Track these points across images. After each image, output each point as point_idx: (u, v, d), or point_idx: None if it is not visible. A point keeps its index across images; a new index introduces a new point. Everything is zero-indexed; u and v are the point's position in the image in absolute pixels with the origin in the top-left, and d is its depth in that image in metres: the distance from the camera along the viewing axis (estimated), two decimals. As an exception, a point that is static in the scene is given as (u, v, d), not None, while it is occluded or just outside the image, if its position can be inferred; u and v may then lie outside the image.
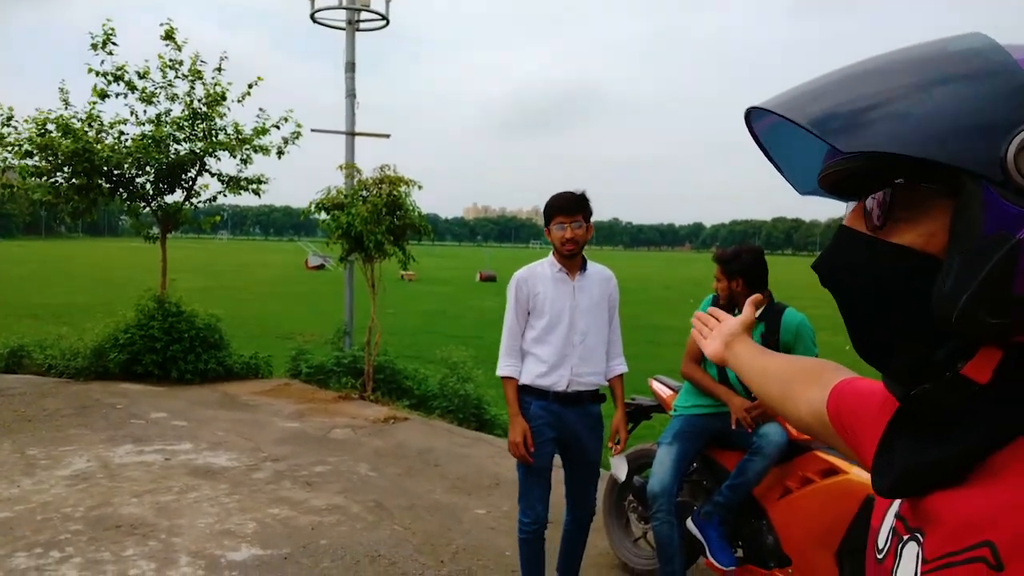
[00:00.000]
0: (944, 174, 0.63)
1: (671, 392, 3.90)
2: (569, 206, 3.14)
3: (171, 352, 8.31)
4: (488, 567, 3.95)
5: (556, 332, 3.21)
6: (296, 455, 5.72)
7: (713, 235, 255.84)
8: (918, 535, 0.68)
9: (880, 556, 0.74)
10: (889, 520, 0.75)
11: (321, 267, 39.66)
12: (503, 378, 3.28)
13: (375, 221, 7.82)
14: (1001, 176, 0.59)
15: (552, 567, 3.49)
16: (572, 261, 3.23)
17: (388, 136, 10.39)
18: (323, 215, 8.24)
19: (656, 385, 4.04)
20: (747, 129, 0.80)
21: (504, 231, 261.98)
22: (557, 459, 3.36)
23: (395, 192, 8.10)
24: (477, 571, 3.90)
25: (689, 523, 3.46)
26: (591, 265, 3.32)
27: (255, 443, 6.01)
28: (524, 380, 3.26)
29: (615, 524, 4.10)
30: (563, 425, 3.25)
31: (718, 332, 1.28)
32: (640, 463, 3.98)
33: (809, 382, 1.02)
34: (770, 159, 0.83)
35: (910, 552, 0.68)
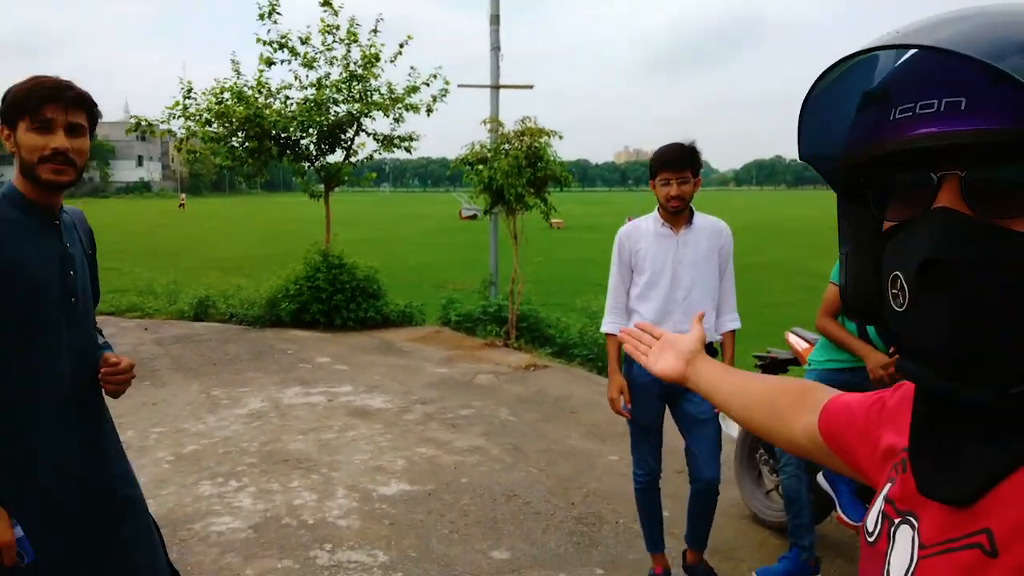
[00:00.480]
0: None
1: (807, 345, 3.78)
2: (677, 161, 3.01)
3: (335, 301, 9.01)
4: (617, 511, 4.08)
5: (657, 288, 3.13)
6: (443, 399, 6.10)
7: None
8: (910, 519, 0.67)
9: (871, 539, 0.73)
10: (879, 503, 0.74)
11: (473, 217, 40.68)
12: (606, 335, 3.28)
13: (515, 174, 7.98)
14: None
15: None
16: (676, 217, 3.12)
17: (531, 87, 10.46)
18: (468, 169, 8.51)
19: (792, 338, 3.93)
20: (824, 73, 0.70)
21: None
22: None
23: (536, 144, 8.19)
24: (606, 514, 4.04)
25: (820, 477, 3.40)
26: (700, 218, 3.18)
27: (407, 387, 6.46)
28: None
29: (746, 475, 4.09)
30: (671, 384, 3.24)
31: (670, 349, 1.23)
32: (772, 417, 3.92)
33: (798, 406, 1.00)
34: (804, 112, 0.74)
35: (904, 536, 0.67)
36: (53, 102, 1.79)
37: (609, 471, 4.63)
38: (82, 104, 1.86)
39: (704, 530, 3.32)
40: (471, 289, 12.17)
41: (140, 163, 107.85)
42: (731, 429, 3.41)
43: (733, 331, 3.23)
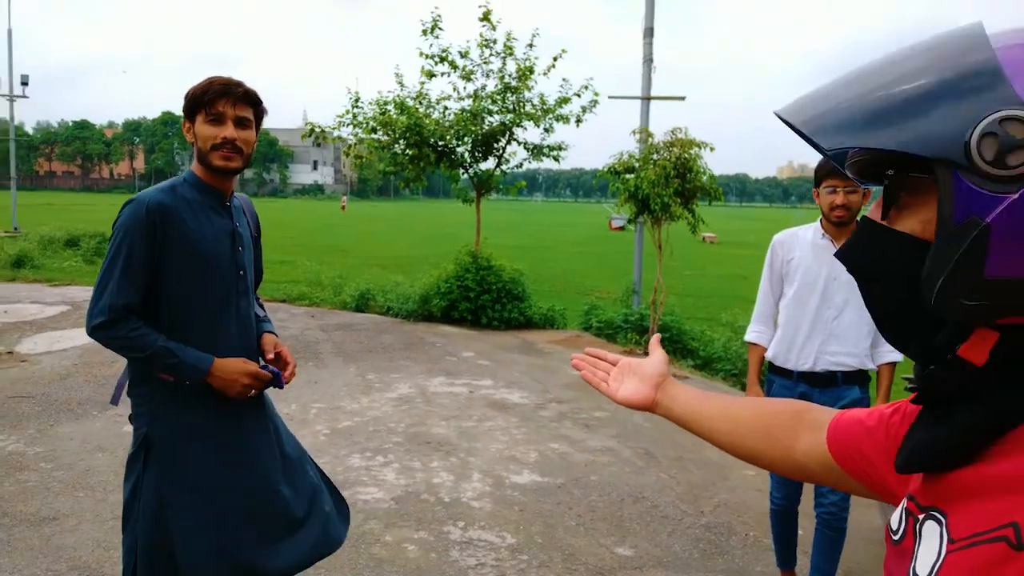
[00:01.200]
0: (930, 164, 0.65)
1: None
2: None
3: (481, 301, 9.40)
4: (748, 524, 4.04)
5: (806, 303, 2.97)
6: (578, 400, 6.23)
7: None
8: (935, 514, 0.69)
9: (896, 537, 0.75)
10: (903, 501, 0.76)
11: (623, 228, 40.50)
12: (749, 344, 3.20)
13: (662, 184, 7.97)
14: (968, 162, 0.62)
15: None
16: (840, 229, 2.93)
17: (683, 99, 10.40)
18: (615, 179, 8.60)
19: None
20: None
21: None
22: None
23: (685, 155, 8.15)
24: (736, 526, 4.01)
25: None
26: None
27: (544, 385, 6.65)
28: (769, 353, 3.10)
29: (888, 501, 3.91)
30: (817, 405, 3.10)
31: (632, 375, 1.16)
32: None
33: (796, 428, 0.99)
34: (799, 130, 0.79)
35: (931, 531, 0.68)
36: (224, 97, 2.08)
37: (744, 484, 4.58)
38: (249, 100, 2.14)
39: (827, 563, 3.08)
40: (614, 297, 12.24)
41: (315, 167, 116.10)
42: None
43: (892, 363, 2.96)
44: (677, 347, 8.57)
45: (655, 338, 1.24)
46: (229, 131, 2.09)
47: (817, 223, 3.02)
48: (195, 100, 2.09)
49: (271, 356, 2.30)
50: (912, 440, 0.72)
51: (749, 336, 3.20)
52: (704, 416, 1.08)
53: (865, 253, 0.74)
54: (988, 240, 0.61)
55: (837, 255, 0.79)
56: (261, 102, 2.20)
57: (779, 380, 3.06)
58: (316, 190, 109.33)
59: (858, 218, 0.83)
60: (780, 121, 0.75)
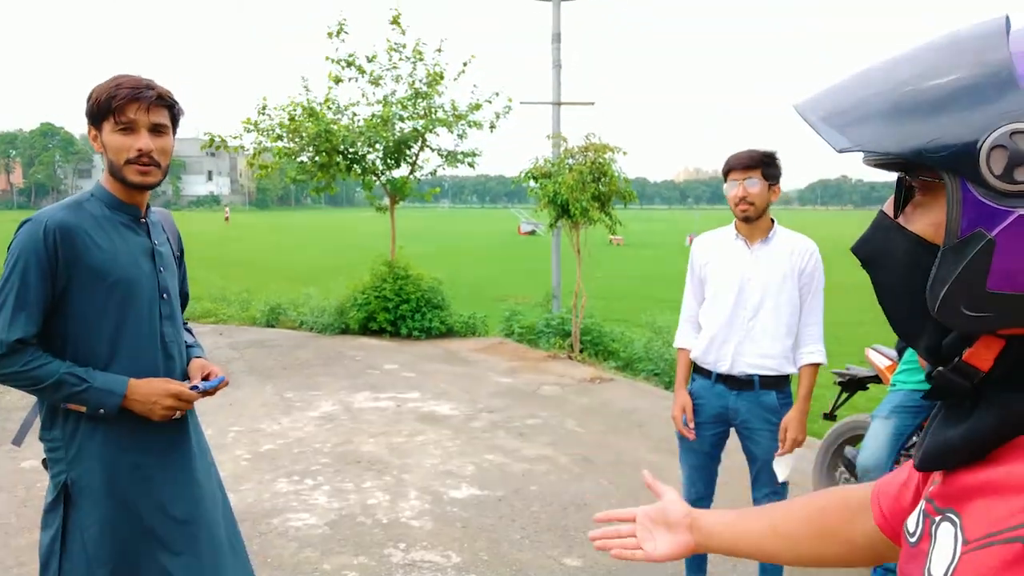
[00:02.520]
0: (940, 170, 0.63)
1: (890, 363, 3.70)
2: (743, 161, 2.80)
3: (401, 311, 9.18)
4: (689, 524, 4.03)
5: (721, 305, 2.90)
6: (509, 408, 6.14)
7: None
8: (951, 515, 0.68)
9: (913, 539, 0.74)
10: (920, 503, 0.75)
11: (532, 233, 40.90)
12: (677, 348, 3.13)
13: (580, 188, 8.01)
14: (976, 174, 0.60)
15: None
16: (751, 226, 2.86)
17: (593, 104, 10.51)
18: (532, 184, 8.59)
19: (873, 355, 3.85)
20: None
21: (716, 192, 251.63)
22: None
23: (600, 159, 8.22)
24: (678, 527, 4.00)
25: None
26: (783, 234, 2.89)
27: (473, 395, 6.53)
28: (693, 354, 3.02)
29: (823, 493, 4.00)
30: (731, 411, 2.91)
31: (659, 527, 1.09)
32: (854, 434, 3.85)
33: (846, 516, 0.95)
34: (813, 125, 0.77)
35: (946, 533, 0.67)
36: (135, 102, 1.82)
37: (680, 485, 4.58)
38: (163, 103, 1.89)
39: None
40: (532, 302, 12.24)
41: (210, 178, 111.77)
42: (780, 473, 2.91)
43: (814, 365, 2.88)
44: (599, 349, 8.63)
45: (653, 480, 1.16)
46: (144, 142, 1.84)
47: (732, 224, 2.98)
48: (101, 106, 1.84)
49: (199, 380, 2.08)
50: (928, 438, 0.72)
51: (676, 341, 3.16)
52: (752, 540, 1.04)
53: (877, 248, 0.73)
54: (992, 254, 0.60)
55: (852, 249, 0.76)
56: (176, 103, 1.96)
57: (699, 379, 3.02)
58: (212, 201, 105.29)
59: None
60: (799, 114, 0.72)
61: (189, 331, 2.25)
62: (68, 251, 1.81)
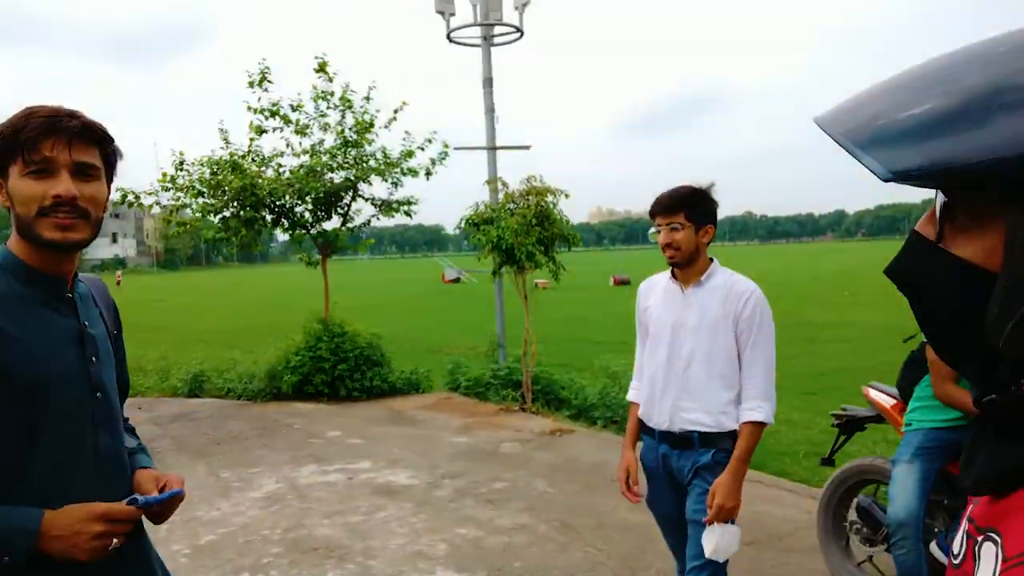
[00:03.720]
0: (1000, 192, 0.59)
1: (894, 401, 3.49)
2: (665, 204, 2.57)
3: (338, 371, 8.60)
4: (693, 592, 3.68)
5: (657, 354, 2.67)
6: (471, 471, 5.69)
7: (857, 222, 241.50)
8: (992, 535, 0.66)
9: (957, 561, 0.73)
10: (963, 524, 0.74)
11: (457, 280, 40.61)
12: (629, 401, 2.88)
13: (525, 233, 7.79)
14: None
15: None
16: (683, 270, 2.63)
17: (529, 147, 10.34)
18: (474, 231, 8.28)
19: (875, 394, 3.63)
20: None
21: (630, 233, 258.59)
22: None
23: (542, 203, 8.03)
24: (682, 597, 3.65)
25: (934, 547, 3.08)
26: (720, 275, 2.64)
27: (430, 459, 6.04)
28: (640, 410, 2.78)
29: (833, 545, 3.73)
30: (676, 470, 2.64)
31: None
32: (862, 479, 3.60)
33: None
34: (849, 151, 0.71)
35: (988, 552, 0.66)
36: (51, 136, 1.38)
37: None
38: (91, 136, 1.44)
39: None
40: (473, 352, 11.82)
41: (115, 240, 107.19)
42: (707, 545, 2.48)
43: (752, 423, 2.51)
44: (550, 399, 8.28)
45: None
46: (64, 186, 1.37)
47: (670, 268, 2.72)
48: (6, 143, 1.38)
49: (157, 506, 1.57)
50: (981, 463, 0.68)
51: (629, 394, 2.89)
52: None
53: (914, 272, 0.70)
54: None
55: (885, 271, 0.72)
56: (111, 139, 1.49)
57: (645, 439, 2.75)
58: (118, 264, 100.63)
59: (910, 229, 0.72)
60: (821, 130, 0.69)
61: (131, 431, 1.77)
62: None
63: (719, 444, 2.56)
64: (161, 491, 1.56)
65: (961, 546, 0.73)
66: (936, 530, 3.20)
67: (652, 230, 2.65)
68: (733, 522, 2.50)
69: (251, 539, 4.44)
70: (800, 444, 6.67)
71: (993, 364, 0.64)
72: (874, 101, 0.65)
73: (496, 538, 4.38)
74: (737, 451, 2.50)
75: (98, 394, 1.50)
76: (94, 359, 1.50)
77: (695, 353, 2.57)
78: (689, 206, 2.55)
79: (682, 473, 2.61)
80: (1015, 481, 0.65)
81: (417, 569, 3.99)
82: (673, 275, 2.68)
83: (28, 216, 1.38)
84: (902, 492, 3.02)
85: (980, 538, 0.68)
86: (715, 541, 2.46)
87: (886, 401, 3.54)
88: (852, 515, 3.61)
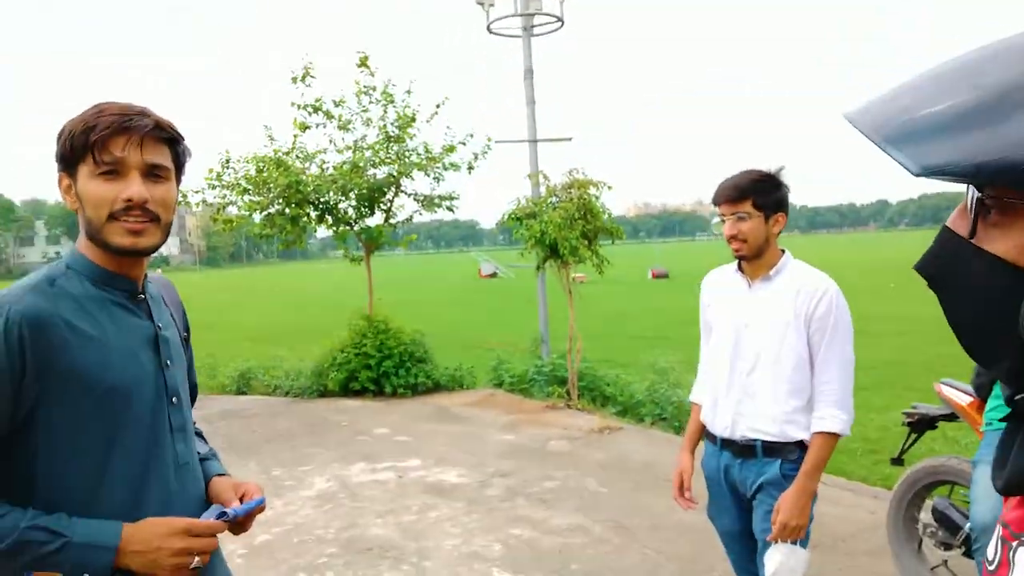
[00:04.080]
0: None
1: (970, 399, 3.32)
2: (727, 193, 2.37)
3: (383, 368, 8.60)
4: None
5: (722, 355, 2.49)
6: (521, 470, 5.62)
7: (900, 212, 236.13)
8: None
9: (992, 567, 0.72)
10: (997, 529, 0.73)
11: (493, 275, 40.66)
12: (691, 402, 2.73)
13: (568, 227, 7.69)
14: None
15: None
16: (751, 263, 2.43)
17: (570, 139, 10.24)
18: (518, 225, 8.20)
19: (948, 391, 3.46)
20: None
21: (667, 226, 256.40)
22: None
23: (584, 195, 7.92)
24: (747, 602, 3.53)
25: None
26: (791, 269, 2.41)
27: (478, 457, 5.99)
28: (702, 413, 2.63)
29: (905, 549, 3.58)
30: (738, 481, 2.46)
31: None
32: (934, 480, 3.45)
33: None
34: (879, 146, 0.71)
35: (1023, 557, 0.65)
36: (123, 134, 1.32)
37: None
38: (163, 136, 1.38)
39: None
40: (514, 347, 11.76)
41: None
42: (770, 565, 2.33)
43: (825, 434, 2.31)
44: (595, 395, 8.18)
45: None
46: (135, 188, 1.32)
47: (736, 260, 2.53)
48: (75, 143, 1.32)
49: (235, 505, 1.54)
50: (1013, 463, 0.67)
51: (692, 394, 2.74)
52: None
53: (945, 268, 0.68)
54: None
55: (915, 267, 0.71)
56: (181, 138, 1.43)
57: (707, 446, 2.58)
58: (161, 262, 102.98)
59: (943, 225, 0.69)
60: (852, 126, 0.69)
61: (201, 437, 1.73)
62: (39, 352, 1.26)
63: (785, 455, 2.37)
64: (241, 500, 1.52)
65: (996, 552, 0.71)
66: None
67: (715, 220, 2.47)
68: (804, 544, 2.33)
69: (305, 539, 4.44)
70: (855, 441, 6.48)
71: None
72: (904, 96, 0.65)
73: (551, 539, 4.31)
74: (805, 464, 2.30)
75: (173, 400, 1.46)
76: (168, 363, 1.46)
77: (760, 355, 2.38)
78: (757, 193, 2.35)
79: (745, 485, 2.44)
80: None
81: (473, 571, 3.93)
82: (740, 267, 2.49)
83: (99, 220, 1.33)
84: (985, 495, 2.86)
85: (1015, 543, 0.68)
86: (778, 562, 2.29)
87: (962, 399, 3.37)
88: (925, 517, 3.46)
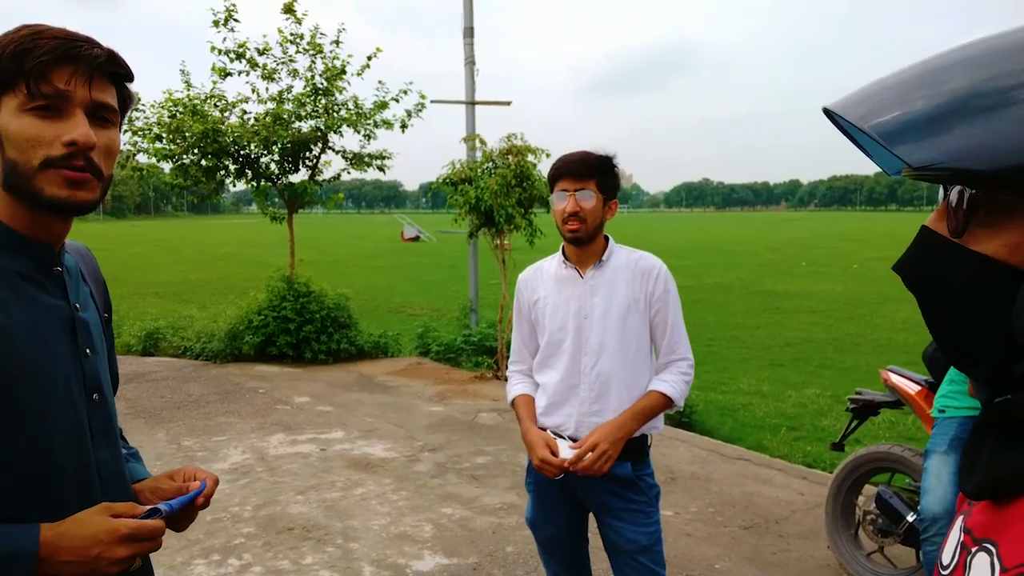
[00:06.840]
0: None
1: (919, 388, 3.31)
2: (575, 167, 2.20)
3: (304, 333, 8.22)
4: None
5: (560, 353, 2.28)
6: (451, 444, 5.43)
7: (811, 192, 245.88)
8: (987, 546, 0.64)
9: (946, 571, 0.71)
10: (956, 534, 0.71)
11: (416, 239, 40.02)
12: (511, 402, 2.44)
13: (504, 194, 7.46)
14: None
15: None
16: (582, 250, 2.27)
17: (509, 103, 9.94)
18: (451, 190, 7.92)
19: (896, 378, 3.44)
20: (830, 121, 0.72)
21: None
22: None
23: (523, 162, 7.69)
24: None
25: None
26: (620, 253, 2.30)
27: (406, 430, 5.76)
28: (538, 416, 2.35)
29: (841, 534, 3.58)
30: (581, 487, 2.28)
31: None
32: (877, 466, 3.44)
33: None
34: (856, 144, 0.75)
35: (981, 563, 0.63)
36: (68, 64, 1.04)
37: (670, 531, 4.06)
38: (116, 70, 1.11)
39: None
40: (439, 315, 11.51)
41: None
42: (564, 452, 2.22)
43: (660, 392, 2.22)
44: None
45: None
46: (83, 130, 1.04)
47: (560, 251, 2.37)
48: (2, 65, 1.03)
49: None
50: (984, 467, 0.65)
51: (513, 388, 2.44)
52: None
53: (927, 269, 0.68)
54: None
55: (894, 268, 0.70)
56: (132, 77, 1.15)
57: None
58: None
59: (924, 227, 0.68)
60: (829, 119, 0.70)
61: (120, 435, 1.43)
62: None
63: (636, 453, 2.23)
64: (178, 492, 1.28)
65: (953, 557, 0.71)
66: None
67: (554, 195, 2.24)
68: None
69: (220, 517, 4.12)
70: (772, 416, 6.58)
71: (1010, 362, 0.63)
72: (891, 92, 0.64)
73: (484, 519, 4.14)
74: (634, 406, 2.19)
75: (94, 396, 1.17)
76: (88, 352, 1.17)
77: (606, 344, 2.23)
78: (602, 174, 2.22)
79: (598, 491, 2.25)
80: (1016, 488, 0.63)
81: (403, 554, 3.73)
82: (565, 258, 2.31)
83: (27, 165, 1.04)
84: (937, 485, 2.84)
85: (974, 549, 0.67)
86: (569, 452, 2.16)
87: (910, 387, 3.36)
88: (864, 504, 3.45)
